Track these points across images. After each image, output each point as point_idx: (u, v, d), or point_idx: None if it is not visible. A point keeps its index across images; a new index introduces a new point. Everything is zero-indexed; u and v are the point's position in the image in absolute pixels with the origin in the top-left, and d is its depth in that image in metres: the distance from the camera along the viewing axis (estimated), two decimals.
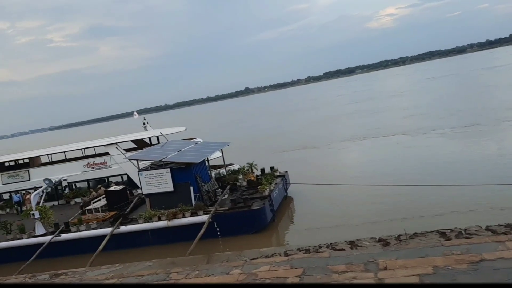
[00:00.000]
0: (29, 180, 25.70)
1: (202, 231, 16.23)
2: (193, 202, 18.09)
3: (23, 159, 27.78)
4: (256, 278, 7.56)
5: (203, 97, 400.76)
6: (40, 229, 18.88)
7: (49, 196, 24.20)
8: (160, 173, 18.29)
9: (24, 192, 24.64)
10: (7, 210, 25.18)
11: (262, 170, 22.62)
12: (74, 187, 25.93)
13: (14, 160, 27.96)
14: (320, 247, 13.53)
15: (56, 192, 24.86)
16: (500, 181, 16.85)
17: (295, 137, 44.00)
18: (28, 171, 26.29)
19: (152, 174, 18.41)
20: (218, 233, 17.00)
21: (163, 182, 18.21)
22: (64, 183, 25.04)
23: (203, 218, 17.01)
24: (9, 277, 11.40)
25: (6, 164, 27.72)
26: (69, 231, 18.42)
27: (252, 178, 21.17)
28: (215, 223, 16.96)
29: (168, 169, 18.23)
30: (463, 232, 12.97)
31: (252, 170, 22.45)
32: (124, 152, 24.96)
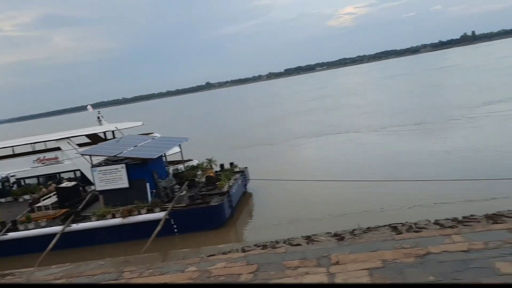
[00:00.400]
0: None
1: (158, 228, 15.96)
2: (149, 198, 17.74)
3: None
4: (210, 275, 7.49)
5: (162, 91, 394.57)
6: None
7: None
8: (115, 169, 17.81)
9: None
10: None
11: (222, 166, 22.50)
12: (23, 183, 24.76)
13: None
14: (277, 242, 13.65)
15: (3, 188, 23.65)
16: (446, 176, 17.67)
17: (254, 133, 44.20)
18: None
19: (106, 170, 17.89)
20: (175, 230, 16.77)
21: (117, 178, 17.73)
22: (12, 179, 23.89)
23: (159, 215, 16.72)
24: None
25: None
26: (17, 230, 17.59)
27: (211, 174, 21.00)
28: (172, 220, 16.71)
29: (123, 165, 17.77)
30: (413, 226, 13.46)
31: (211, 166, 22.29)
32: (76, 147, 24.09)
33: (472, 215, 13.54)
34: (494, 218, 13.00)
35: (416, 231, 12.55)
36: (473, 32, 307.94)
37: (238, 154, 30.03)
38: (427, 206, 15.59)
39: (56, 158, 24.33)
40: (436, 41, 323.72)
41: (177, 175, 21.39)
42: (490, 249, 6.20)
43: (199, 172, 21.57)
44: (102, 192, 18.07)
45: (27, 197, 22.88)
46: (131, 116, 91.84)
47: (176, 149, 22.38)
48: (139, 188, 17.85)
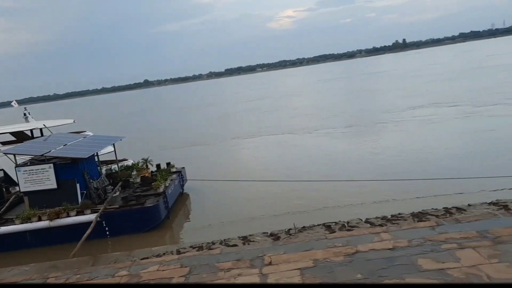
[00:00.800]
0: None
1: (88, 231, 15.23)
2: (80, 200, 16.91)
3: None
4: (140, 279, 7.25)
5: (98, 88, 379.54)
6: None
7: None
8: (42, 169, 16.76)
9: None
10: None
11: (158, 166, 21.94)
12: None
13: None
14: (213, 243, 13.52)
15: None
16: (376, 177, 18.53)
17: (191, 133, 43.89)
18: None
19: (32, 170, 16.80)
20: (107, 233, 16.11)
21: (44, 179, 16.71)
22: None
23: (90, 217, 15.97)
24: None
25: None
26: None
27: (147, 175, 20.43)
28: (103, 222, 16.03)
29: (51, 165, 16.77)
30: (346, 224, 13.90)
31: (146, 166, 21.69)
32: None
33: (399, 214, 14.22)
34: (420, 216, 13.74)
35: (348, 230, 12.96)
36: (404, 40, 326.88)
37: (175, 154, 29.56)
38: (359, 205, 16.16)
39: None
40: (370, 47, 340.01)
41: (110, 175, 20.57)
42: (413, 247, 6.54)
43: (134, 172, 20.88)
44: (27, 193, 16.96)
45: None
46: (62, 113, 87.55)
47: (110, 148, 21.51)
48: (68, 189, 16.96)
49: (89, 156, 18.02)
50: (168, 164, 21.97)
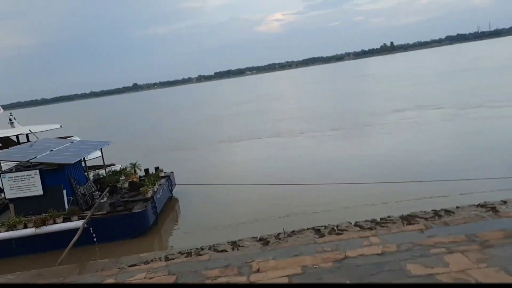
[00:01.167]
0: None
1: (75, 237, 14.98)
2: (66, 206, 16.65)
3: None
4: None
5: (86, 92, 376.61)
6: None
7: None
8: (27, 175, 16.48)
9: None
10: None
11: (146, 170, 21.73)
12: None
13: None
14: (202, 249, 13.38)
15: None
16: (364, 179, 18.51)
17: (180, 137, 43.77)
18: None
19: (18, 176, 16.51)
20: (95, 240, 15.86)
21: (30, 185, 16.43)
22: None
23: (77, 223, 15.72)
24: None
25: None
26: None
27: (135, 180, 20.19)
28: (91, 228, 15.79)
29: (37, 171, 16.50)
30: (335, 228, 13.85)
31: (135, 170, 21.46)
32: None
33: (389, 216, 14.21)
34: (408, 219, 13.75)
35: (338, 234, 12.92)
36: (391, 43, 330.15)
37: (164, 158, 29.35)
38: (348, 208, 16.14)
39: None
40: (358, 50, 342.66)
41: (98, 180, 20.32)
42: (402, 252, 6.50)
43: (122, 178, 20.63)
44: (13, 200, 16.66)
45: None
46: (49, 118, 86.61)
47: (97, 153, 21.28)
48: (54, 196, 16.70)
49: (76, 161, 17.77)
50: (156, 168, 21.76)
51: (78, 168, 18.59)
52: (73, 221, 15.94)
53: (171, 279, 7.07)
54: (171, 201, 20.73)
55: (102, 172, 21.83)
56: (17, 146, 21.70)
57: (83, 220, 15.76)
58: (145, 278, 8.04)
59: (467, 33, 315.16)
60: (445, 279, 5.47)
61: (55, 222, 15.91)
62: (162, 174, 21.26)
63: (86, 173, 20.08)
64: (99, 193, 18.78)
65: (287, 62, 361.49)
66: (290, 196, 18.22)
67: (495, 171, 17.69)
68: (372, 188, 17.32)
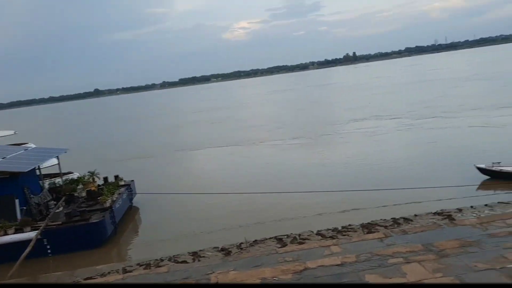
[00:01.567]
0: None
1: (27, 249, 14.24)
2: (19, 217, 15.85)
3: None
4: None
5: (44, 97, 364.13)
6: None
7: None
8: None
9: None
10: None
11: (105, 179, 21.10)
12: None
13: None
14: (161, 260, 13.05)
15: None
16: (325, 188, 18.75)
17: (141, 144, 43.03)
18: None
19: None
20: (49, 251, 15.18)
21: None
22: None
23: (30, 234, 14.97)
24: None
25: None
26: None
27: (93, 188, 19.54)
28: (45, 240, 15.09)
29: None
30: (297, 237, 13.86)
31: (93, 179, 20.75)
32: None
33: (349, 225, 14.38)
34: (369, 227, 13.95)
35: (300, 243, 12.91)
36: (354, 53, 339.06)
37: (124, 166, 28.67)
38: (311, 217, 16.21)
39: None
40: (322, 59, 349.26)
41: (53, 189, 19.52)
42: (361, 262, 6.51)
43: (80, 186, 19.93)
44: None
45: None
46: (4, 123, 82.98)
47: (54, 161, 20.48)
48: (6, 205, 15.88)
49: (30, 169, 17.00)
50: (116, 177, 21.16)
51: (32, 177, 17.81)
52: (26, 232, 15.19)
53: None
54: (131, 210, 20.19)
55: (58, 180, 21.02)
56: None
57: (36, 231, 15.05)
58: None
59: (425, 45, 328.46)
60: None
61: (6, 234, 15.11)
62: (122, 183, 20.69)
63: (41, 182, 19.28)
64: (55, 202, 18.02)
65: (253, 70, 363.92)
66: (253, 205, 18.12)
67: (450, 180, 18.28)
68: (333, 196, 17.49)
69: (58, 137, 59.88)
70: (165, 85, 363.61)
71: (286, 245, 12.69)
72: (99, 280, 10.47)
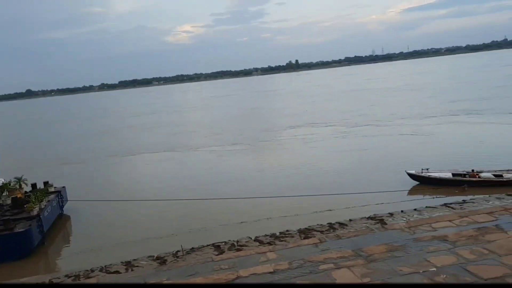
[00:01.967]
0: None
1: None
2: None
3: None
4: None
5: None
6: None
7: None
8: None
9: None
10: None
11: (34, 185, 19.85)
12: None
13: None
14: (92, 271, 12.40)
15: None
16: (263, 194, 18.77)
17: (73, 149, 41.17)
18: None
19: None
20: None
21: None
22: None
23: None
24: None
25: None
26: None
27: (19, 196, 18.28)
28: None
29: None
30: (235, 244, 13.75)
31: (20, 185, 19.41)
32: None
33: (287, 230, 14.49)
34: (306, 232, 14.15)
35: (237, 249, 12.81)
36: (296, 61, 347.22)
37: (55, 172, 27.22)
38: (249, 223, 16.18)
39: None
40: (266, 66, 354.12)
41: None
42: (293, 269, 6.54)
43: (5, 193, 18.60)
44: None
45: None
46: None
47: None
48: None
49: None
50: (45, 183, 19.98)
51: None
52: None
53: None
54: (62, 218, 19.13)
55: None
56: None
57: None
58: None
59: (364, 55, 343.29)
60: None
61: None
62: (52, 189, 19.57)
63: None
64: None
65: (196, 74, 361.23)
66: (190, 211, 17.81)
67: (384, 185, 19.05)
68: (272, 202, 17.62)
69: None
70: (104, 87, 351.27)
71: (224, 252, 12.54)
72: None
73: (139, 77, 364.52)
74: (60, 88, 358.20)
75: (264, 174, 23.88)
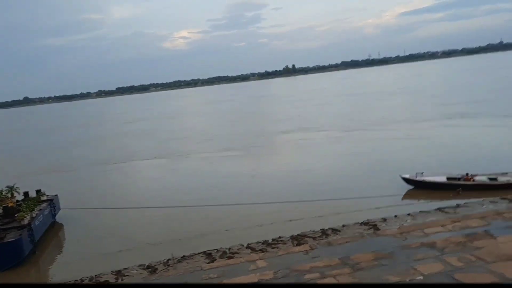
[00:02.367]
0: None
1: None
2: None
3: None
4: None
5: None
6: None
7: None
8: None
9: None
10: None
11: (26, 194, 19.72)
12: None
13: None
14: (82, 281, 12.26)
15: None
16: (257, 200, 18.63)
17: (65, 157, 41.16)
18: None
19: None
20: None
21: None
22: None
23: None
24: None
25: None
26: None
27: (11, 204, 18.11)
28: None
29: None
30: (227, 251, 13.61)
31: (12, 194, 19.23)
32: None
33: (280, 237, 14.36)
34: (298, 239, 14.02)
35: (229, 257, 12.69)
36: (293, 65, 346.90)
37: (48, 180, 27.11)
38: (243, 229, 16.04)
39: None
40: (263, 71, 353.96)
41: None
42: (278, 279, 6.39)
43: None
44: None
45: None
46: None
47: None
48: None
49: None
50: (38, 191, 19.82)
51: None
52: None
53: None
54: (55, 227, 18.99)
55: None
56: None
57: None
58: None
59: (360, 59, 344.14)
60: None
61: None
62: (44, 198, 19.41)
63: None
64: None
65: (193, 79, 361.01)
66: (182, 219, 17.66)
67: (378, 189, 18.94)
68: (265, 208, 17.47)
69: None
70: (101, 93, 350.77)
71: (215, 260, 12.41)
72: None
73: (137, 83, 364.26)
74: (57, 95, 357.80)
75: (257, 180, 23.74)
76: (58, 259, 16.10)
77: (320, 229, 14.62)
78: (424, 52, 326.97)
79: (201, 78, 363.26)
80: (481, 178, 18.60)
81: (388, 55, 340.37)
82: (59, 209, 19.86)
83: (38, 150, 49.10)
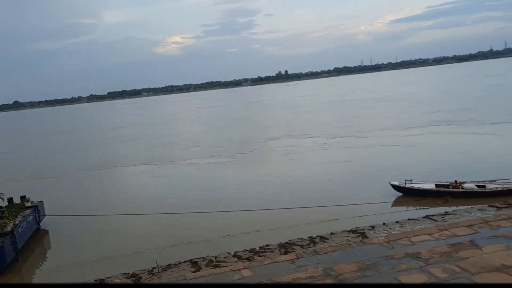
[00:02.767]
0: None
1: None
2: None
3: None
4: None
5: None
6: None
7: None
8: None
9: None
10: None
11: (10, 200, 19.36)
12: None
13: None
14: None
15: None
16: (244, 207, 18.48)
17: (50, 162, 40.86)
18: None
19: None
20: None
21: None
22: None
23: None
24: None
25: None
26: None
27: None
28: None
29: None
30: (213, 259, 13.36)
31: None
32: None
33: (267, 245, 14.11)
34: (286, 246, 13.81)
35: (215, 266, 12.43)
36: (286, 71, 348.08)
37: (32, 186, 26.72)
38: (230, 237, 15.91)
39: None
40: (255, 76, 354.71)
41: None
42: None
43: None
44: None
45: None
46: None
47: None
48: None
49: None
50: (22, 197, 19.49)
51: None
52: None
53: None
54: (39, 233, 18.67)
55: None
56: None
57: None
58: None
59: (352, 66, 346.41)
60: None
61: None
62: (29, 204, 19.08)
63: None
64: None
65: (186, 85, 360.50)
66: (167, 226, 17.45)
67: (367, 196, 18.89)
68: (252, 216, 17.33)
69: None
70: (93, 98, 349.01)
71: (201, 269, 12.17)
72: None
73: (128, 88, 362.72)
74: (48, 99, 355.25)
75: (244, 187, 23.58)
76: (40, 267, 15.79)
77: (308, 237, 14.44)
78: (415, 59, 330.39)
79: (193, 83, 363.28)
80: (470, 186, 18.63)
81: (380, 62, 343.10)
82: (44, 215, 19.53)
83: (24, 156, 48.52)
